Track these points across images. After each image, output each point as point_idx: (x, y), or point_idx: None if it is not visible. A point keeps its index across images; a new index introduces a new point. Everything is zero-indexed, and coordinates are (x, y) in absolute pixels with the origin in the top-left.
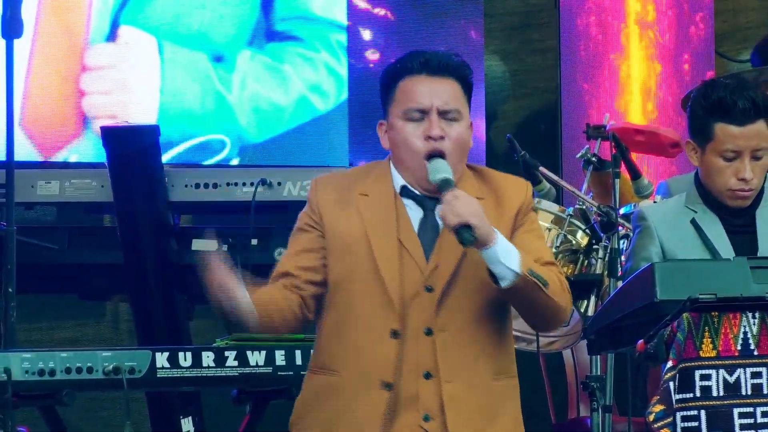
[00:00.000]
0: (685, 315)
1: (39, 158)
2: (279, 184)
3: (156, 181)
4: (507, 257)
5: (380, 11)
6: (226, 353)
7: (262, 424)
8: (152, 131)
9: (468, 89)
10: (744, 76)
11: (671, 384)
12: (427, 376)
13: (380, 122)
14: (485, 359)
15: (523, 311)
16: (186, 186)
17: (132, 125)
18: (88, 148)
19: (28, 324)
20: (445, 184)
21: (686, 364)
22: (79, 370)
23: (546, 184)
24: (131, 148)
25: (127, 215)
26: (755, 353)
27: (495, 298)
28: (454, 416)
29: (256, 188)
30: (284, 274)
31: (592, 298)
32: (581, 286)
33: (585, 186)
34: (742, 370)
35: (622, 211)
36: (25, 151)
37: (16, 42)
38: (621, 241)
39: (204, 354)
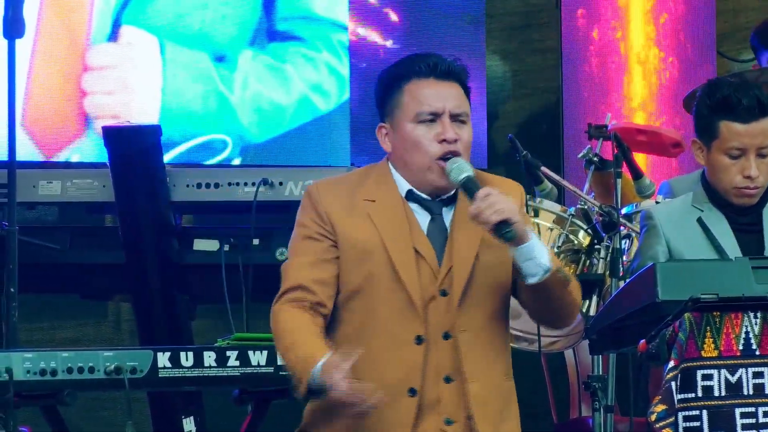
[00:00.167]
0: (686, 315)
1: (41, 158)
2: (280, 184)
3: (158, 181)
4: (540, 253)
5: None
6: (228, 353)
7: (264, 424)
8: (154, 131)
9: (468, 94)
10: (745, 76)
11: (673, 384)
12: (447, 380)
13: (380, 125)
14: (500, 360)
15: (543, 308)
16: (188, 186)
17: (134, 125)
18: (89, 148)
19: (29, 324)
20: (471, 183)
21: (688, 364)
22: (80, 370)
23: (548, 184)
24: (133, 148)
25: (129, 215)
26: (757, 353)
27: (505, 298)
28: (481, 416)
29: (258, 188)
30: (301, 287)
31: (594, 298)
32: (583, 286)
33: (587, 186)
34: (743, 370)
35: (623, 211)
36: (26, 150)
37: (18, 42)
38: (623, 241)
39: (206, 354)
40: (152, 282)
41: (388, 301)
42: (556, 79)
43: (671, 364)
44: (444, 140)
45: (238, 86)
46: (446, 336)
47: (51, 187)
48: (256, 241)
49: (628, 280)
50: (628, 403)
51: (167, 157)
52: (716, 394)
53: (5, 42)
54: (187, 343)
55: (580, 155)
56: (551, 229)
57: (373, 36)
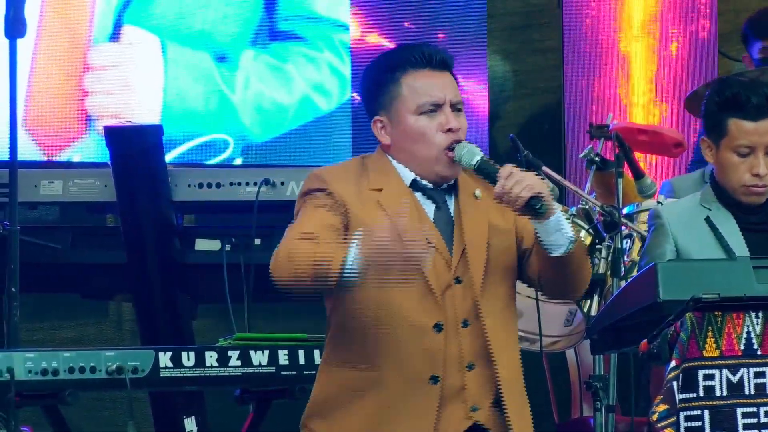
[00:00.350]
0: (688, 315)
1: (42, 158)
2: (282, 183)
3: (159, 181)
4: (564, 223)
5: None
6: (229, 353)
7: (265, 424)
8: (155, 131)
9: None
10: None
11: (674, 384)
12: (470, 367)
13: (376, 119)
14: (516, 344)
15: (564, 279)
16: (189, 186)
17: (135, 125)
18: (91, 148)
19: (30, 323)
20: (488, 164)
21: (689, 364)
22: (82, 370)
23: (549, 184)
24: (134, 148)
25: (131, 215)
26: (758, 353)
27: (514, 282)
28: (509, 401)
29: (260, 188)
30: (314, 235)
31: (595, 298)
32: None
33: (588, 186)
34: (745, 369)
35: (625, 210)
36: (28, 150)
37: (20, 42)
38: (624, 241)
39: (207, 354)
40: (154, 282)
41: (405, 289)
42: (556, 79)
43: (673, 363)
44: (449, 130)
45: (240, 86)
46: (465, 323)
47: (52, 186)
48: (257, 241)
49: (629, 280)
50: (630, 403)
51: (169, 157)
52: (718, 393)
53: (6, 42)
54: (189, 342)
55: (581, 155)
56: None
57: (375, 36)
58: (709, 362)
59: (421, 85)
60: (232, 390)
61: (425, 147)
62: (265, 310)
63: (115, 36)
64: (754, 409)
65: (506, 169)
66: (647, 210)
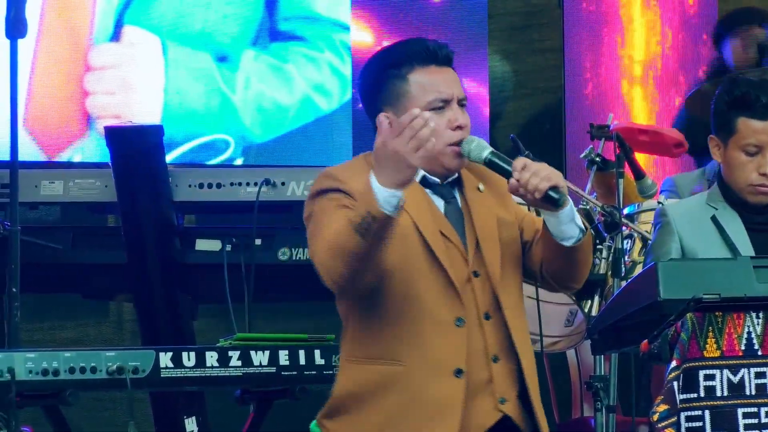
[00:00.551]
0: (689, 315)
1: (43, 158)
2: (283, 184)
3: (160, 181)
4: (576, 214)
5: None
6: (230, 353)
7: (266, 424)
8: (156, 131)
9: None
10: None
11: (675, 384)
12: (495, 359)
13: (384, 115)
14: (529, 339)
15: (570, 269)
16: (190, 186)
17: (136, 125)
18: (91, 148)
19: (31, 324)
20: (499, 157)
21: (690, 364)
22: (82, 370)
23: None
24: (135, 148)
25: (131, 215)
26: (759, 353)
27: (522, 275)
28: (533, 392)
29: (260, 188)
30: None
31: (596, 298)
32: (585, 286)
33: (589, 186)
34: (746, 370)
35: (625, 211)
36: (28, 150)
37: (20, 42)
38: (624, 242)
39: (208, 354)
40: (154, 282)
41: (427, 282)
42: (556, 79)
43: (673, 364)
44: (458, 126)
45: (241, 86)
46: (487, 316)
47: (53, 187)
48: (258, 241)
49: (630, 280)
50: (630, 403)
51: (169, 157)
52: (718, 394)
53: (7, 42)
54: (189, 343)
55: (582, 155)
56: None
57: (375, 36)
58: (710, 362)
59: (429, 82)
60: (233, 390)
61: (436, 143)
62: (265, 311)
63: (115, 36)
64: (755, 409)
65: (520, 162)
66: (648, 210)
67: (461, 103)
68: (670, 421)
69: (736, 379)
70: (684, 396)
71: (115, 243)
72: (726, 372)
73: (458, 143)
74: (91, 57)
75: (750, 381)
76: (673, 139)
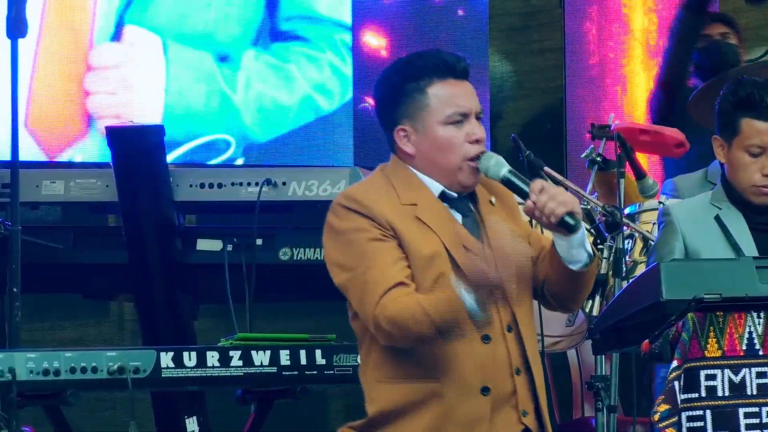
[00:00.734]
0: (690, 315)
1: (44, 158)
2: (284, 183)
3: (161, 181)
4: (587, 240)
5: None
6: (231, 353)
7: (267, 424)
8: (157, 131)
9: None
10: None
11: (676, 384)
12: (518, 372)
13: (400, 128)
14: (538, 352)
15: (573, 292)
16: (191, 186)
17: (137, 125)
18: (92, 148)
19: (31, 323)
20: (517, 176)
21: (691, 364)
22: (83, 370)
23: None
24: (136, 148)
25: (132, 215)
26: (760, 353)
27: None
28: (544, 406)
29: (261, 188)
30: (401, 283)
31: (597, 298)
32: None
33: (590, 186)
34: (747, 370)
35: (626, 211)
36: (29, 150)
37: (21, 42)
38: (626, 242)
39: (209, 354)
40: (155, 282)
41: None
42: (557, 79)
43: (674, 363)
44: (476, 140)
45: (241, 86)
46: (509, 328)
47: (54, 186)
48: (259, 241)
49: (632, 280)
50: (631, 403)
51: (170, 157)
52: (720, 394)
53: (8, 42)
54: (190, 343)
55: (583, 155)
56: None
57: (376, 36)
58: (711, 362)
59: (448, 96)
60: (234, 390)
61: (452, 156)
62: (266, 311)
63: (116, 36)
64: (756, 409)
65: (537, 184)
66: (649, 210)
67: (478, 116)
68: (671, 421)
69: (737, 379)
70: (685, 396)
71: (116, 243)
72: (727, 372)
73: (476, 158)
74: (91, 57)
75: (751, 381)
76: (674, 139)
